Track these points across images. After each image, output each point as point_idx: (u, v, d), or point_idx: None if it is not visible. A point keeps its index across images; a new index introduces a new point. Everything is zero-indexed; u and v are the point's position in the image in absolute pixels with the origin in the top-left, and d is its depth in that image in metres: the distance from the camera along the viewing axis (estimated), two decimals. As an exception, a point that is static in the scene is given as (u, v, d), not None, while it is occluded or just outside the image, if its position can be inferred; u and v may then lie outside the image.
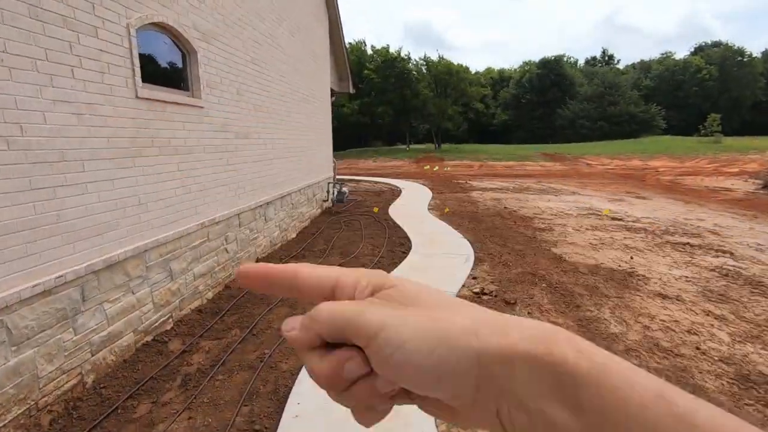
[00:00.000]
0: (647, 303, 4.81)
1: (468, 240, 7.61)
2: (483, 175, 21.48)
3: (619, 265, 6.23)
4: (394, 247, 7.35)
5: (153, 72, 4.23)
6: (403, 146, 43.52)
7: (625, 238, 7.99)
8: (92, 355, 3.27)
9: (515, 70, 68.71)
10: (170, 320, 4.29)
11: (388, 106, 38.76)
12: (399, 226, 8.93)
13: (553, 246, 7.37)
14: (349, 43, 40.73)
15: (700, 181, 18.18)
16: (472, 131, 58.28)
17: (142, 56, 3.92)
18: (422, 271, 5.84)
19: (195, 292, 4.76)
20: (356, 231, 8.72)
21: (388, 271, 5.34)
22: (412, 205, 11.61)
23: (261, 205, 6.64)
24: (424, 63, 40.51)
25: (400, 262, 6.37)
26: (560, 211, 10.77)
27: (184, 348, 3.83)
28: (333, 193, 10.81)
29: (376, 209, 10.75)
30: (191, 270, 4.68)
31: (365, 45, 44.93)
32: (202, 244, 4.90)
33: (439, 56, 44.34)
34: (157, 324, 4.06)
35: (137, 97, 3.78)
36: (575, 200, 12.74)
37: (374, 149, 40.49)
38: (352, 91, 13.43)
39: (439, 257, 6.53)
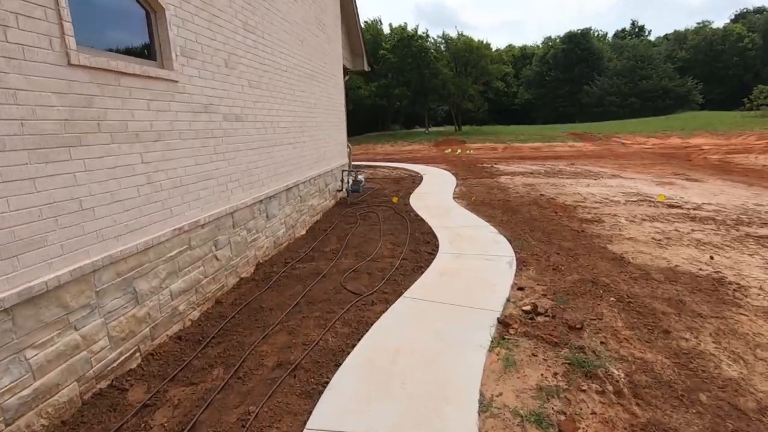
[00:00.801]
0: (760, 325, 3.63)
1: (504, 236, 6.47)
2: (509, 158, 20.04)
3: (700, 269, 5.00)
4: (418, 245, 6.28)
5: (99, 34, 3.21)
6: (422, 129, 41.98)
7: (692, 230, 6.70)
8: (6, 426, 2.35)
9: (538, 46, 65.55)
10: (137, 355, 3.36)
11: (406, 87, 37.14)
12: (422, 219, 7.83)
13: (609, 242, 6.17)
14: (365, 22, 39.07)
15: (754, 159, 16.36)
16: (493, 112, 56.01)
17: (80, 10, 2.90)
18: (454, 279, 4.77)
19: (173, 314, 3.82)
20: (374, 225, 7.67)
21: (412, 278, 5.34)
22: (434, 194, 10.47)
23: (261, 201, 5.65)
24: (443, 41, 38.60)
25: (427, 266, 5.30)
26: (605, 198, 9.45)
27: (146, 400, 2.88)
28: (348, 183, 9.76)
29: (395, 199, 9.67)
30: (166, 287, 3.73)
31: (381, 24, 43.17)
32: (182, 254, 3.94)
33: (458, 32, 42.22)
34: (116, 364, 3.13)
35: (70, 64, 2.77)
36: (618, 184, 11.35)
37: (391, 133, 39.08)
38: (367, 68, 12.24)
39: (473, 259, 5.43)
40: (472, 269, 5.06)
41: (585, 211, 8.20)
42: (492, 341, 3.40)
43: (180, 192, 3.93)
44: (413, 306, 4.11)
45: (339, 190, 9.69)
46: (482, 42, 37.18)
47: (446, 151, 24.00)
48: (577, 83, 51.56)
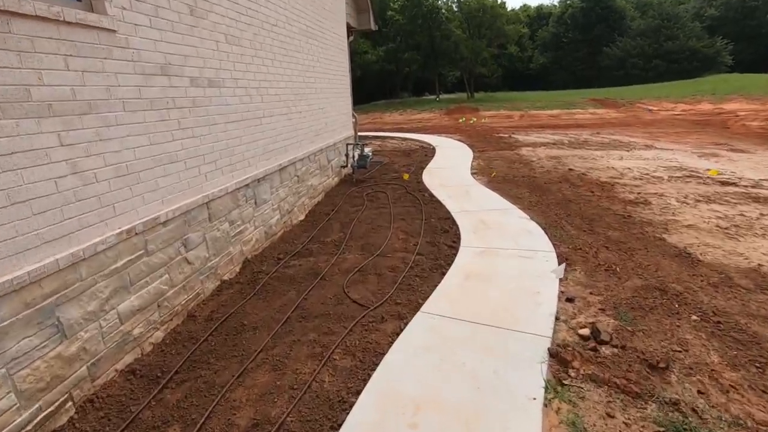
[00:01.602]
0: None
1: (537, 223, 5.47)
2: (527, 127, 18.67)
3: (794, 270, 3.99)
4: (435, 235, 5.31)
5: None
6: (433, 96, 40.04)
7: (762, 215, 5.62)
8: None
9: (555, 5, 61.70)
10: (68, 405, 2.52)
11: (416, 51, 35.07)
12: (438, 200, 6.83)
13: (665, 231, 5.14)
14: (371, -19, 36.62)
15: (800, 126, 14.85)
16: (507, 78, 53.43)
17: None
18: (483, 285, 3.82)
19: (124, 342, 2.95)
20: (382, 208, 6.70)
21: (431, 282, 4.03)
22: (450, 169, 9.40)
23: (247, 185, 4.68)
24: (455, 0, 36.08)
25: (447, 264, 4.36)
26: (645, 173, 8.32)
27: (64, 486, 2.04)
28: (353, 158, 8.72)
29: (406, 176, 8.63)
30: (112, 309, 2.84)
31: (388, -17, 40.35)
32: (134, 263, 3.03)
33: (471, -9, 39.44)
34: (30, 426, 2.29)
35: None
36: (655, 156, 10.14)
37: (401, 101, 37.31)
38: (374, 26, 10.91)
39: (505, 256, 4.46)
40: (505, 271, 4.10)
41: (626, 190, 7.11)
42: (547, 388, 2.48)
43: (127, 182, 2.98)
44: (434, 327, 3.19)
45: (343, 166, 8.67)
46: (497, 1, 34.67)
47: (459, 120, 22.60)
48: (596, 45, 48.52)
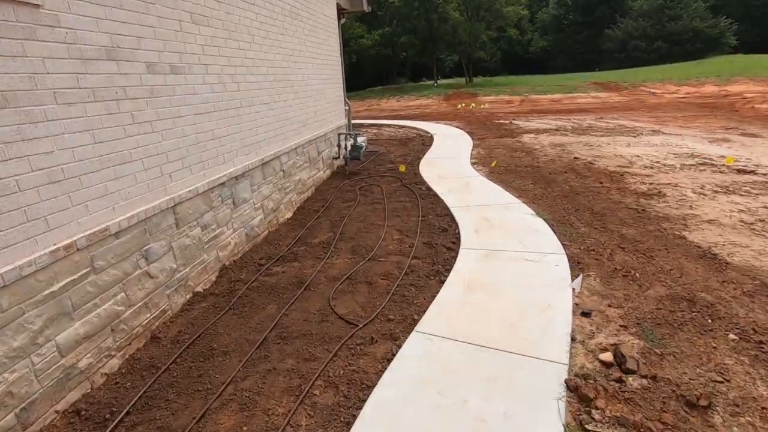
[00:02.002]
0: None
1: (544, 219, 5.01)
2: (528, 113, 18.08)
3: (835, 274, 3.55)
4: (433, 234, 4.86)
5: None
6: (430, 82, 39.16)
7: (788, 207, 5.17)
8: None
9: (555, -14, 60.10)
10: (-10, 463, 2.09)
11: (413, 35, 34.09)
12: (435, 194, 6.36)
13: (684, 227, 4.69)
14: (366, -38, 35.34)
15: (812, 108, 14.31)
16: (506, 62, 52.35)
17: None
18: (487, 296, 3.38)
19: (67, 377, 2.52)
20: (376, 203, 6.23)
21: (428, 293, 3.56)
22: (448, 158, 8.90)
23: (222, 183, 4.21)
24: (453, -19, 34.89)
25: (446, 269, 3.91)
26: (656, 162, 7.83)
27: None
28: (346, 148, 8.21)
29: (402, 167, 8.14)
30: (47, 341, 2.40)
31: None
32: (76, 284, 2.58)
33: (469, -28, 38.19)
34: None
35: None
36: (664, 142, 9.64)
37: (397, 86, 36.43)
38: (367, 8, 10.27)
39: (510, 260, 4.01)
40: (511, 278, 3.66)
41: (637, 180, 6.63)
42: (566, 436, 2.05)
43: (65, 189, 2.50)
44: (431, 352, 2.75)
45: (335, 158, 8.17)
46: (496, -19, 33.53)
47: (458, 106, 21.96)
48: (597, 27, 47.41)
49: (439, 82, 38.17)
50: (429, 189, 6.73)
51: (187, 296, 3.67)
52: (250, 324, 3.30)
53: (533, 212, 5.27)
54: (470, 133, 12.47)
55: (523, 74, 44.81)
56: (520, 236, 4.54)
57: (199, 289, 3.83)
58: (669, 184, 6.40)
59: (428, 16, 31.99)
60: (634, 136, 10.70)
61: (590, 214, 5.27)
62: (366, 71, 37.36)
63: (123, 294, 2.94)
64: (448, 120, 16.72)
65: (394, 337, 2.97)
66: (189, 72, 3.67)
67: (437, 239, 4.72)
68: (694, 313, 3.05)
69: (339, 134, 8.13)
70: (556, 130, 12.46)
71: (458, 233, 4.79)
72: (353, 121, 17.75)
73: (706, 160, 7.73)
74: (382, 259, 4.32)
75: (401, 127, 15.31)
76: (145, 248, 3.15)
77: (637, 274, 3.65)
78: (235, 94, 4.44)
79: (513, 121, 14.72)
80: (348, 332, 3.07)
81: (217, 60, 4.13)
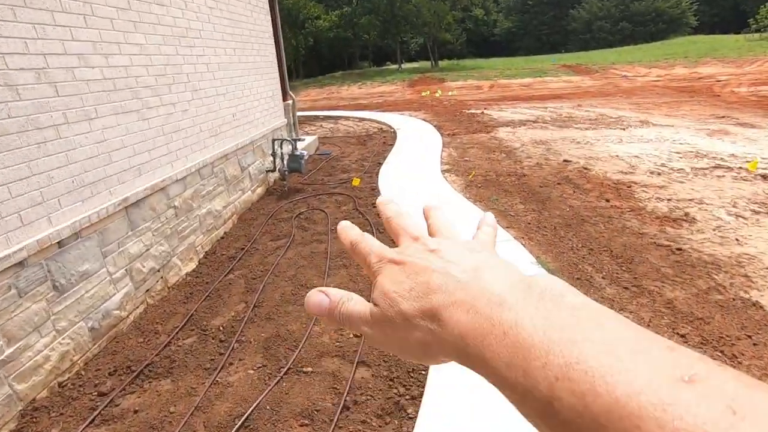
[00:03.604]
0: None
1: (546, 269, 3.49)
2: (499, 100, 16.67)
3: None
4: (393, 308, 3.24)
5: None
6: (394, 66, 37.21)
7: None
8: None
9: (519, -35, 58.86)
10: None
11: (374, 15, 31.93)
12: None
13: (747, 282, 3.28)
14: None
15: (793, 91, 13.58)
16: (471, 44, 51.01)
17: None
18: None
19: None
20: (317, 241, 4.55)
21: None
22: (414, 164, 7.27)
23: (20, 263, 2.41)
24: (415, -43, 32.81)
25: (412, 399, 2.31)
26: (660, 164, 6.51)
27: None
28: (282, 158, 6.42)
29: (356, 181, 6.44)
30: None
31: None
32: None
33: (431, -52, 36.16)
34: None
35: None
36: (659, 137, 8.39)
37: (359, 71, 34.30)
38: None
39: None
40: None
41: (650, 195, 5.24)
42: None
43: None
44: None
45: (270, 170, 6.37)
46: (460, -42, 31.79)
47: (423, 94, 20.31)
48: (562, 7, 46.66)
49: (403, 66, 36.31)
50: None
51: None
52: None
53: (533, 259, 3.74)
54: (439, 127, 10.87)
55: (490, 56, 43.59)
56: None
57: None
58: (691, 200, 5.03)
59: (390, -6, 29.96)
60: (623, 129, 9.43)
61: (610, 257, 3.80)
62: (325, 55, 34.96)
63: None
64: (413, 110, 15.06)
65: None
66: None
67: (398, 318, 3.11)
68: None
69: (274, 140, 6.31)
70: (534, 121, 11.06)
71: (430, 305, 3.19)
72: (306, 114, 15.77)
73: (719, 162, 6.46)
74: (308, 369, 2.67)
75: (361, 120, 13.53)
76: None
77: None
78: (50, 102, 2.61)
79: (485, 111, 13.23)
80: None
81: (43, 48, 2.29)
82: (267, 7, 6.60)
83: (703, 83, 17.24)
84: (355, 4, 32.72)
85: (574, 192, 5.53)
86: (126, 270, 3.27)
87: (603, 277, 3.47)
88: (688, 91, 15.63)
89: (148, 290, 3.52)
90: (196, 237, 4.31)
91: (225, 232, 4.95)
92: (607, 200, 5.17)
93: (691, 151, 7.16)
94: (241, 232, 5.00)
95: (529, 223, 4.63)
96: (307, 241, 4.61)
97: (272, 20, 6.88)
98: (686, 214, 4.62)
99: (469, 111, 13.60)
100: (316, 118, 14.68)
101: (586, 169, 6.52)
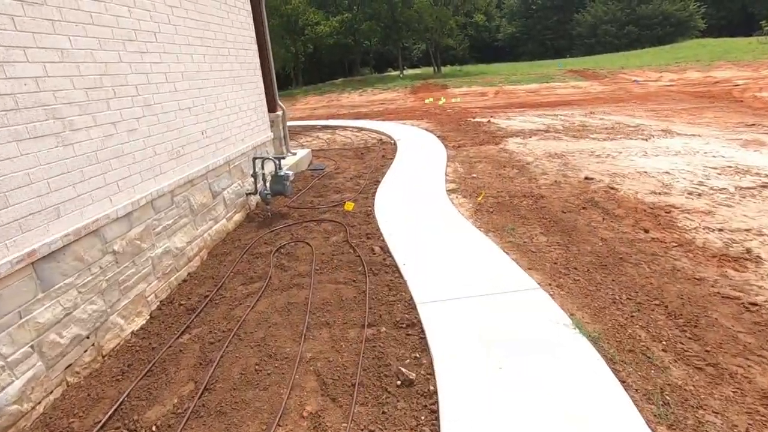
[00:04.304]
0: None
1: (588, 336, 2.65)
2: (505, 107, 15.88)
3: None
4: (388, 397, 2.42)
5: None
6: (396, 73, 36.58)
7: None
8: None
9: (521, -30, 58.37)
10: None
11: (375, 21, 31.31)
12: (395, 268, 3.91)
13: None
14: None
15: (821, 96, 12.70)
16: (474, 49, 50.36)
17: None
18: None
19: None
20: (297, 286, 3.73)
21: None
22: (415, 183, 6.46)
23: None
24: (416, -38, 32.26)
25: None
26: (697, 182, 5.66)
27: None
28: (264, 180, 5.62)
29: (349, 205, 5.62)
30: None
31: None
32: None
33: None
34: None
35: None
36: (686, 148, 7.54)
37: (360, 78, 33.65)
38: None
39: None
40: None
41: (696, 224, 4.40)
42: None
43: None
44: None
45: (250, 193, 5.57)
46: (462, -37, 31.19)
47: (426, 101, 19.55)
48: (567, 11, 45.95)
49: (405, 72, 35.65)
50: (385, 250, 4.28)
51: None
52: None
53: (566, 318, 2.90)
54: (443, 138, 10.08)
55: (493, 62, 42.87)
56: (564, 409, 2.16)
57: None
58: (748, 230, 4.18)
59: (391, 0, 29.34)
60: (645, 139, 8.59)
61: (666, 315, 2.96)
62: (325, 62, 34.36)
63: None
64: (416, 118, 14.29)
65: None
66: None
67: (395, 415, 2.28)
68: None
69: (255, 158, 5.51)
70: (546, 131, 10.24)
71: (434, 394, 2.36)
72: (303, 123, 15.02)
73: (764, 180, 5.61)
74: None
75: (360, 129, 12.76)
76: None
77: None
78: None
79: (491, 120, 12.42)
80: None
81: None
82: (248, 7, 5.85)
83: (720, 88, 16.36)
84: (356, 9, 32.15)
85: (603, 219, 4.70)
86: (33, 346, 2.47)
87: (664, 349, 2.64)
88: (707, 96, 14.76)
89: (69, 366, 2.71)
90: (147, 284, 3.51)
91: (189, 273, 4.15)
92: (646, 230, 4.33)
93: (729, 166, 6.31)
94: (209, 272, 4.19)
95: (555, 263, 3.80)
96: (285, 285, 3.80)
97: (256, 22, 6.13)
98: (748, 251, 3.77)
99: (475, 119, 12.80)
100: (313, 128, 13.94)
101: (612, 188, 5.68)
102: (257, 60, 6.13)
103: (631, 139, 8.76)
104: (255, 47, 6.06)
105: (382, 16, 31.01)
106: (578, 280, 3.51)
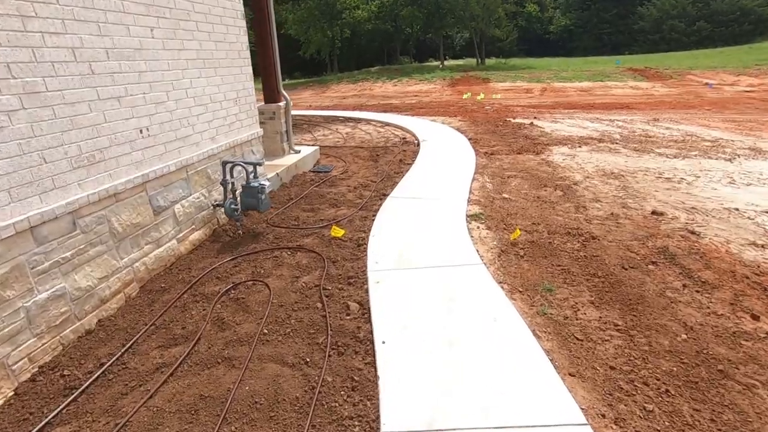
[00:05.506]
0: None
1: None
2: (552, 107, 14.11)
3: None
4: None
5: None
6: (436, 63, 34.76)
7: None
8: None
9: (582, -43, 54.32)
10: None
11: (416, 7, 29.59)
12: (369, 345, 2.70)
13: None
14: None
15: None
16: (523, 41, 47.43)
17: None
18: None
19: None
20: (226, 364, 2.59)
21: None
22: (431, 201, 5.16)
23: None
24: (466, -55, 30.16)
25: None
26: (821, 235, 4.06)
27: None
28: (233, 191, 4.51)
29: (338, 231, 4.40)
30: None
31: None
32: None
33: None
34: None
35: None
36: (790, 178, 5.81)
37: (398, 67, 32.04)
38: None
39: None
40: None
41: (836, 313, 2.90)
42: None
43: None
44: None
45: (218, 205, 4.48)
46: (517, -54, 28.85)
47: (464, 96, 17.94)
48: (628, 4, 42.17)
49: (446, 63, 33.78)
50: (364, 309, 3.07)
51: None
52: None
53: None
54: (474, 141, 8.67)
55: (543, 56, 40.11)
56: None
57: None
58: None
59: (435, -16, 27.54)
60: (728, 160, 6.87)
61: None
62: (362, 49, 33.05)
63: None
64: (449, 115, 12.85)
65: None
66: None
67: None
68: None
69: (224, 163, 4.39)
70: (599, 140, 8.61)
71: None
72: (326, 114, 13.87)
73: None
74: None
75: (385, 125, 11.50)
76: None
77: None
78: None
79: (535, 122, 10.82)
80: None
81: None
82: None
83: (814, 97, 13.84)
84: (398, -6, 30.55)
85: (684, 287, 3.27)
86: None
87: None
88: (798, 106, 12.42)
89: None
90: (14, 347, 2.48)
91: (99, 321, 3.10)
92: (755, 317, 2.89)
93: None
94: (126, 321, 3.13)
95: (613, 368, 2.46)
96: (212, 357, 2.68)
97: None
98: None
99: (515, 120, 11.23)
100: (336, 119, 12.80)
101: (692, 233, 4.19)
102: (244, 40, 4.99)
103: (709, 158, 7.05)
104: (243, 23, 4.93)
105: (425, 1, 29.25)
106: (651, 411, 2.17)
